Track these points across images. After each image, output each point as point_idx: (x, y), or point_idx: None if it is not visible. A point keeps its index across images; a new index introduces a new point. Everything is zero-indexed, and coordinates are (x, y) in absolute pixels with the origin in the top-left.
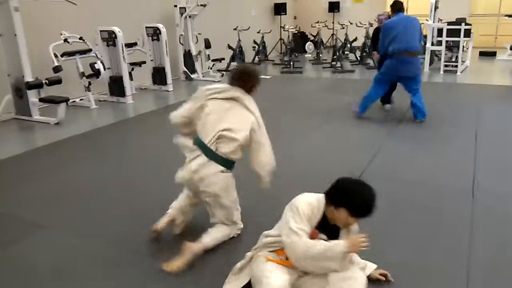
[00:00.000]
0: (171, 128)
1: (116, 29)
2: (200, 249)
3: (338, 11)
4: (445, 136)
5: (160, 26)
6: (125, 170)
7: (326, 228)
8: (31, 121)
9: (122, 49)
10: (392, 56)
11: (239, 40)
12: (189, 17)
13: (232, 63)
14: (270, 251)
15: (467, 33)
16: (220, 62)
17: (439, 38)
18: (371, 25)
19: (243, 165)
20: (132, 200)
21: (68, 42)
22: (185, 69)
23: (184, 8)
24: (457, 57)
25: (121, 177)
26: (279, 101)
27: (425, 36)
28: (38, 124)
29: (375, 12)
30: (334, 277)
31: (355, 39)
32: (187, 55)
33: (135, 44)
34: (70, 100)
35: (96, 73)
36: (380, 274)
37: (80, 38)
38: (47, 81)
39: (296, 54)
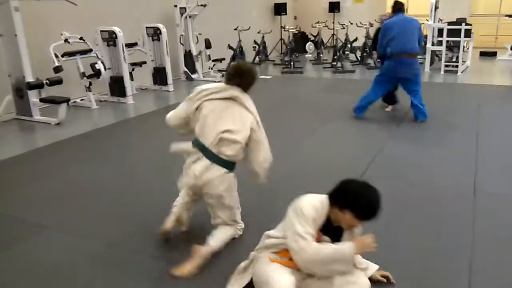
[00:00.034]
0: (171, 128)
1: (116, 29)
2: (209, 253)
3: (339, 11)
4: (446, 136)
5: (161, 26)
6: (126, 170)
7: (330, 229)
8: (32, 122)
9: (123, 49)
10: (390, 57)
11: (239, 40)
12: (190, 17)
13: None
14: (273, 252)
15: (468, 33)
16: (221, 62)
17: (440, 38)
18: (371, 25)
19: (242, 164)
20: (133, 200)
21: (69, 42)
22: (186, 69)
23: (185, 8)
24: (457, 57)
25: (122, 177)
26: (279, 101)
27: (426, 36)
28: (39, 124)
29: (376, 12)
30: (340, 281)
31: (356, 39)
32: (188, 55)
33: (135, 44)
34: (71, 100)
35: (97, 73)
36: (382, 276)
37: (81, 38)
38: (47, 81)
39: (297, 54)
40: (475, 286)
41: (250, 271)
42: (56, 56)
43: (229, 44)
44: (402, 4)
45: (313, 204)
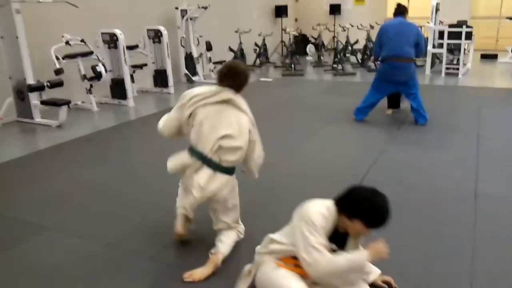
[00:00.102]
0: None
1: (117, 32)
2: (221, 260)
3: (339, 14)
4: (447, 139)
5: (162, 28)
6: (127, 172)
7: (336, 236)
8: (33, 124)
9: (124, 52)
10: (383, 60)
11: (240, 42)
12: (190, 19)
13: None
14: (277, 258)
15: (469, 36)
16: (221, 64)
17: (440, 41)
18: (372, 27)
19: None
20: (134, 202)
21: (70, 45)
22: (187, 72)
23: (185, 10)
24: (458, 59)
25: (123, 178)
26: (280, 104)
27: (426, 39)
28: (40, 126)
29: (376, 14)
30: None
31: (357, 42)
32: (189, 58)
33: (136, 46)
34: (72, 103)
35: (98, 76)
36: (384, 281)
37: (82, 41)
38: (48, 84)
39: (297, 57)
40: None
41: (254, 274)
42: (57, 58)
43: (230, 47)
44: (404, 8)
45: (321, 212)
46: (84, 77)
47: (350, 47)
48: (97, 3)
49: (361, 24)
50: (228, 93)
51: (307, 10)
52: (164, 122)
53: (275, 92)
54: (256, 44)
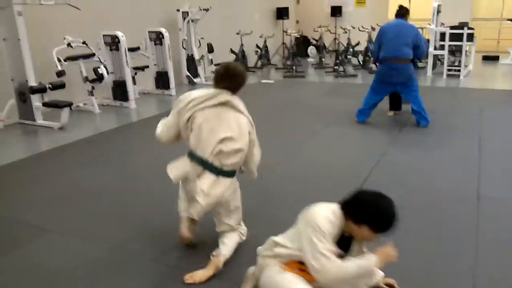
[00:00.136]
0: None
1: (119, 34)
2: (222, 262)
3: (340, 16)
4: (448, 141)
5: (163, 30)
6: (128, 174)
7: (341, 241)
8: (35, 126)
9: (125, 54)
10: (381, 62)
11: (241, 44)
12: (192, 21)
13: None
14: (282, 262)
15: (470, 38)
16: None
17: (442, 43)
18: (373, 29)
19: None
20: (135, 204)
21: (71, 47)
22: (188, 74)
23: (187, 12)
24: (460, 61)
25: (124, 181)
26: (281, 105)
27: (428, 41)
28: (42, 128)
29: (378, 16)
30: None
31: (358, 44)
32: (190, 60)
33: (138, 48)
34: (74, 105)
35: (99, 78)
36: (387, 284)
37: (84, 43)
38: (50, 86)
39: (299, 59)
40: None
41: (259, 277)
42: (59, 60)
43: (231, 49)
44: (406, 10)
45: (327, 218)
46: (86, 79)
47: (351, 49)
48: (98, 5)
49: (362, 26)
50: (225, 95)
51: (308, 12)
52: (162, 128)
53: (277, 94)
54: (257, 46)
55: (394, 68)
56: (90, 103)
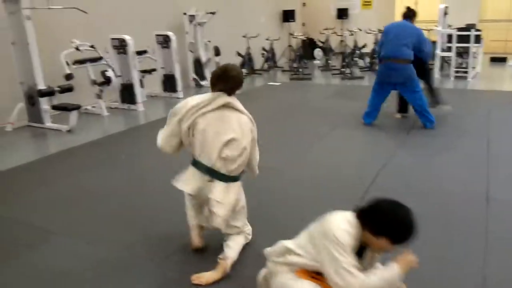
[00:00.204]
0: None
1: (126, 37)
2: (230, 265)
3: (347, 18)
4: (456, 143)
5: (170, 34)
6: (136, 177)
7: (357, 250)
8: (43, 128)
9: (133, 57)
10: (381, 61)
11: (248, 47)
12: (199, 24)
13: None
14: (295, 270)
15: (477, 39)
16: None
17: (449, 44)
18: (380, 31)
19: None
20: (143, 207)
21: (79, 50)
22: (195, 77)
23: (194, 16)
24: (467, 63)
25: (132, 183)
26: (288, 107)
27: (434, 42)
28: (50, 131)
29: (384, 18)
30: None
31: (364, 46)
32: (197, 63)
33: (145, 52)
34: (82, 108)
35: (107, 81)
36: None
37: (91, 46)
38: (59, 89)
39: (305, 61)
40: None
41: (271, 282)
42: (67, 63)
43: (238, 51)
44: (413, 12)
45: (345, 230)
46: (94, 82)
47: (358, 51)
48: (106, 9)
49: (369, 28)
50: (224, 98)
51: (315, 15)
52: (163, 139)
53: (283, 96)
54: (264, 49)
55: (393, 68)
56: (98, 106)
